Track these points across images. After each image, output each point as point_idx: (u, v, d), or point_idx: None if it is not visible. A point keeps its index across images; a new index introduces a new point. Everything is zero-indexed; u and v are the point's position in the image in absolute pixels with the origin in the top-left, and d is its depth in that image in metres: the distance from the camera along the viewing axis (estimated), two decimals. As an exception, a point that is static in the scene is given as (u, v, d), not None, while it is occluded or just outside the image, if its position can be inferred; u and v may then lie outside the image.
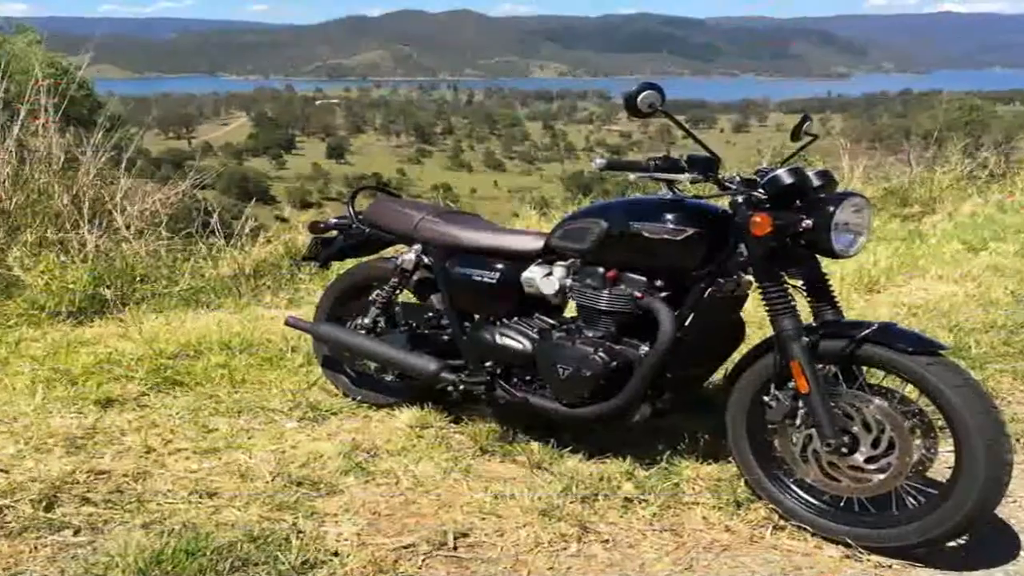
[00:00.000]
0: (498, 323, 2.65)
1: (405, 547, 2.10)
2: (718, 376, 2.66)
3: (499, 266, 2.65)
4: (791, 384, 2.14)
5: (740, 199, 2.20)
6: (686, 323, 2.30)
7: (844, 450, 2.07)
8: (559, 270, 2.53)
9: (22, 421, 2.75)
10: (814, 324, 2.19)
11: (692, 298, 2.29)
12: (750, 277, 2.30)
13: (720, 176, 2.25)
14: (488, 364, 2.65)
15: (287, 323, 3.23)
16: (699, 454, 2.55)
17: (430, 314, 2.88)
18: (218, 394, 3.08)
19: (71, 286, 4.11)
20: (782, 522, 2.22)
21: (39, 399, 2.92)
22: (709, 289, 2.27)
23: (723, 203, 2.34)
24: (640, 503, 2.31)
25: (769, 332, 2.22)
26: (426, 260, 2.87)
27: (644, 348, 2.35)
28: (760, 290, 2.20)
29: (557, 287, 2.51)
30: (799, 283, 2.24)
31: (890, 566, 2.05)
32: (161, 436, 2.71)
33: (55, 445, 2.58)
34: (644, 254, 2.32)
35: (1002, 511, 2.16)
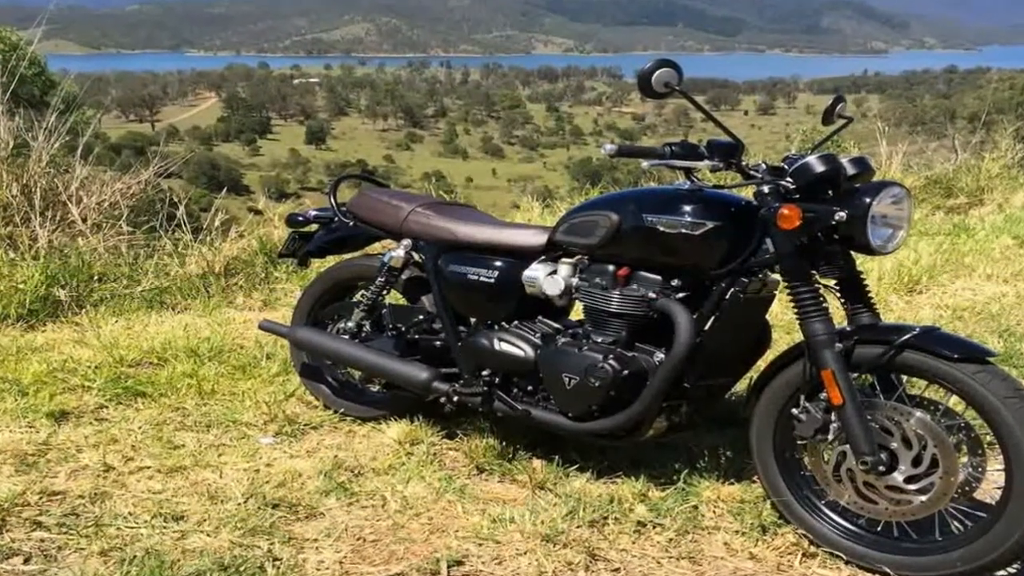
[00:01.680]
0: (496, 327, 2.66)
1: (393, 577, 2.10)
2: (741, 386, 2.66)
3: (498, 264, 2.65)
4: (823, 395, 2.14)
5: (766, 189, 2.20)
6: (706, 327, 2.30)
7: (882, 469, 2.07)
8: (564, 268, 2.53)
9: (-34, 436, 2.75)
10: (848, 328, 2.19)
11: (713, 299, 2.29)
12: (777, 276, 2.30)
13: (744, 163, 2.25)
14: (485, 373, 2.65)
15: (261, 327, 3.23)
16: (720, 473, 2.55)
17: (421, 317, 2.88)
18: (185, 406, 3.08)
19: (21, 286, 4.11)
20: (813, 549, 2.22)
21: (-15, 412, 2.93)
22: (732, 289, 2.27)
23: (747, 193, 2.34)
24: (654, 528, 2.32)
25: (798, 337, 2.22)
26: (416, 257, 2.88)
27: (659, 355, 2.35)
28: (788, 291, 2.20)
29: (562, 287, 2.51)
30: (831, 283, 2.24)
31: (933, 598, 2.05)
32: (121, 453, 2.71)
33: (3, 463, 2.58)
34: (659, 250, 2.33)
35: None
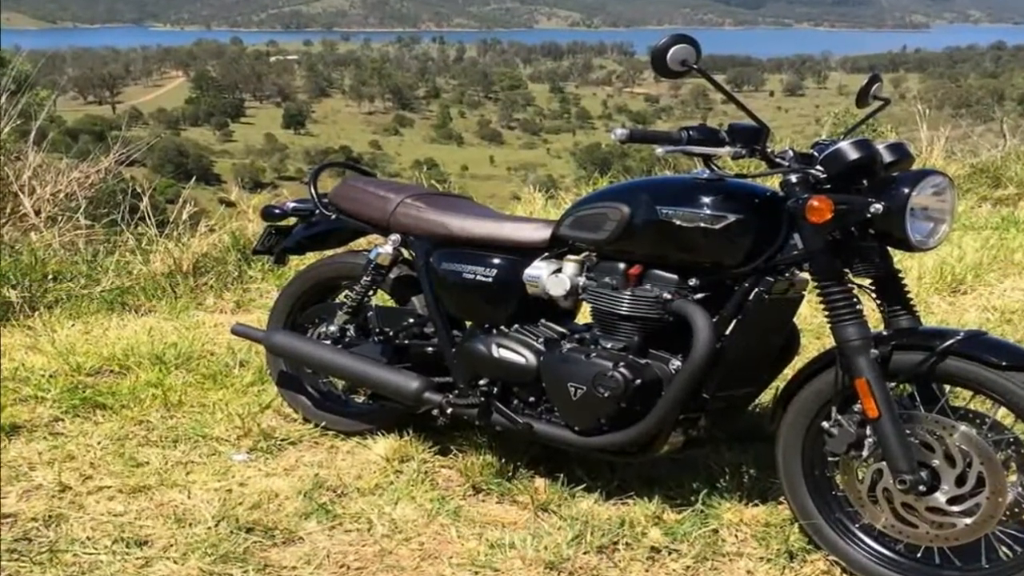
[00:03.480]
0: (495, 331, 2.66)
1: (380, 608, 2.10)
2: (766, 397, 2.66)
3: (496, 261, 2.65)
4: (856, 407, 2.14)
5: (794, 179, 2.20)
6: (727, 332, 2.30)
7: (922, 488, 2.07)
8: (570, 267, 2.54)
9: (-93, 453, 2.76)
10: (885, 333, 2.19)
11: (734, 301, 2.30)
12: (806, 275, 2.30)
13: (769, 150, 2.25)
14: (483, 382, 2.65)
15: (234, 331, 3.23)
16: (743, 493, 2.55)
17: (411, 320, 2.88)
18: (149, 419, 3.08)
19: (-33, 286, 4.11)
20: (845, 577, 2.22)
21: (-72, 425, 2.93)
22: (755, 290, 2.27)
23: (773, 183, 2.34)
24: (670, 554, 2.32)
25: (829, 343, 2.22)
26: (406, 254, 2.88)
27: (675, 363, 2.35)
28: (818, 291, 2.21)
29: (567, 287, 2.51)
30: (866, 282, 2.25)
31: (979, 632, 2.06)
32: (79, 471, 2.71)
33: (-52, 482, 2.58)
34: (675, 246, 2.33)
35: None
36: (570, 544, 2.32)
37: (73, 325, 4.05)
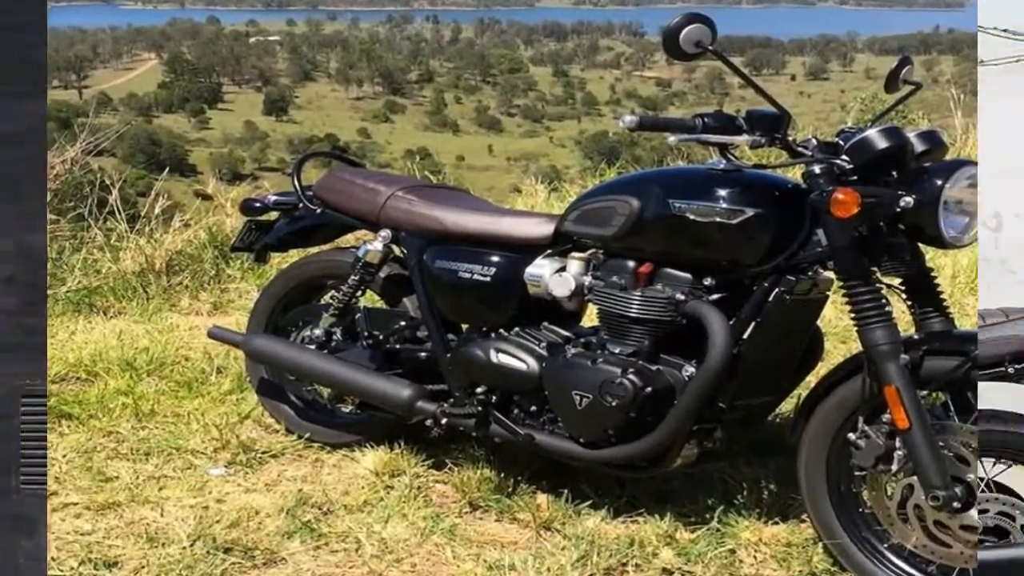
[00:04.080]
0: (493, 335, 2.66)
1: (369, 635, 2.10)
2: (787, 407, 2.66)
3: (495, 259, 2.65)
4: (885, 417, 2.15)
5: (817, 169, 2.20)
6: (745, 336, 2.30)
7: (956, 505, 2.07)
8: (575, 265, 2.54)
9: None
10: (916, 337, 2.19)
11: (753, 302, 2.30)
12: (831, 274, 2.30)
13: (791, 138, 2.25)
14: (480, 390, 2.65)
15: (211, 335, 3.23)
16: (762, 511, 2.55)
17: (403, 323, 2.89)
18: (119, 430, 3.08)
19: (-78, 286, 4.11)
20: (873, 601, 2.22)
21: None
22: (776, 290, 2.27)
23: (795, 175, 2.34)
24: (683, 576, 2.32)
25: (855, 347, 2.22)
26: (397, 251, 2.88)
27: (689, 369, 2.35)
28: (844, 291, 2.21)
29: (572, 287, 2.51)
30: (896, 282, 2.25)
31: (1018, 660, 2.06)
32: (42, 486, 2.71)
33: (-99, 498, 2.58)
34: (688, 243, 2.33)
35: None
36: (575, 565, 2.32)
37: (36, 328, 4.05)
